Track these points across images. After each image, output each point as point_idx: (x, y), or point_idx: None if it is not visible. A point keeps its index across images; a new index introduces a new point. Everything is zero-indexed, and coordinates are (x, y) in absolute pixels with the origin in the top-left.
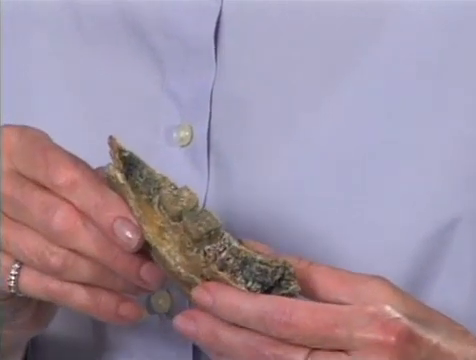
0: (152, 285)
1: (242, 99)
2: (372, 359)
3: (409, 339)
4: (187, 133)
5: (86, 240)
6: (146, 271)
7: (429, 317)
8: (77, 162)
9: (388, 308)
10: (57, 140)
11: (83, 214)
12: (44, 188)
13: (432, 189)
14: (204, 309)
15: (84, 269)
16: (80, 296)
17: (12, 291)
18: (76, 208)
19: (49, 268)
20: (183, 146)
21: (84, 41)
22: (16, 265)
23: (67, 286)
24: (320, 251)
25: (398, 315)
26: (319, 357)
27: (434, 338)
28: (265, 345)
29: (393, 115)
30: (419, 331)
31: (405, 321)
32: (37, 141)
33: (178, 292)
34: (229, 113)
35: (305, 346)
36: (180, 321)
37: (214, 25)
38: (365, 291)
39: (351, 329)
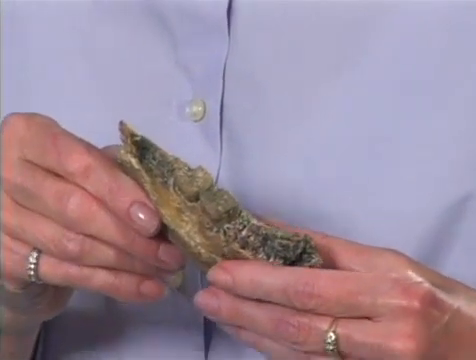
0: (171, 265)
1: (255, 75)
2: (396, 324)
3: (433, 303)
4: (200, 108)
5: (102, 225)
6: (164, 252)
7: (447, 283)
8: (89, 148)
9: (410, 272)
10: (68, 117)
11: (98, 200)
12: (56, 175)
13: (444, 166)
14: (225, 289)
15: (102, 253)
16: (100, 279)
17: (32, 279)
18: (91, 194)
19: (67, 255)
20: (196, 121)
21: (99, 16)
22: (34, 253)
23: (87, 270)
24: (333, 230)
25: (420, 279)
26: (344, 324)
27: (456, 302)
28: (290, 315)
29: (403, 97)
30: (441, 295)
31: (428, 285)
32: (46, 128)
33: (190, 267)
34: (242, 88)
35: (329, 315)
36: (202, 297)
37: (227, 0)
38: (381, 262)
39: (374, 295)
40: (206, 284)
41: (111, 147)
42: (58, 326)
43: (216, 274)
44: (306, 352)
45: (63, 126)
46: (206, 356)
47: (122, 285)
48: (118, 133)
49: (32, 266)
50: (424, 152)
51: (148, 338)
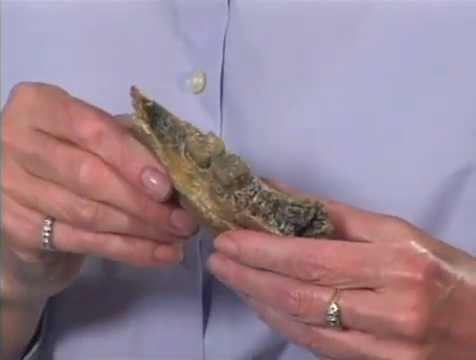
0: (184, 231)
1: (255, 46)
2: (400, 296)
3: (436, 275)
4: (200, 80)
5: (114, 191)
6: (177, 217)
7: (450, 253)
8: (101, 114)
9: (413, 243)
10: (71, 91)
11: (110, 166)
12: (67, 143)
13: (444, 138)
14: (231, 257)
15: (115, 220)
16: (115, 245)
17: (47, 248)
18: (102, 160)
19: (81, 221)
20: (196, 93)
21: None
22: (48, 221)
23: (101, 237)
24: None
25: (424, 250)
26: (347, 295)
27: (459, 273)
28: (292, 285)
29: (399, 71)
30: (445, 266)
31: (431, 256)
32: (56, 96)
33: (190, 240)
34: (242, 60)
35: (332, 286)
36: (213, 261)
37: None
38: (385, 229)
39: (378, 267)
40: (205, 256)
41: (121, 116)
42: (60, 298)
43: (223, 242)
44: (307, 323)
45: None
46: (205, 322)
47: (136, 251)
48: (121, 105)
49: (47, 234)
50: (424, 125)
51: (148, 306)
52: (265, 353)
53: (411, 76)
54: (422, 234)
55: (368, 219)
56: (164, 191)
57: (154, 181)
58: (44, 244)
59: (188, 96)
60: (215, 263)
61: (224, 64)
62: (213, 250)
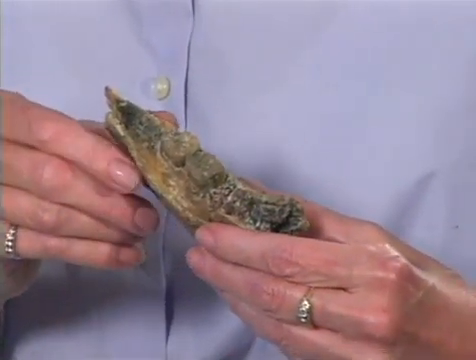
0: (145, 230)
1: (220, 52)
2: (371, 297)
3: (408, 278)
4: (165, 86)
5: (79, 193)
6: (140, 217)
7: (422, 260)
8: (59, 115)
9: (387, 246)
10: (36, 96)
11: (74, 166)
12: (30, 147)
13: (406, 144)
14: (208, 249)
15: (79, 223)
16: (79, 249)
17: (11, 256)
18: (66, 161)
19: (43, 226)
20: (161, 99)
21: None
22: (11, 230)
23: (65, 242)
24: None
25: (397, 254)
26: (319, 293)
27: (430, 279)
28: (265, 281)
29: (367, 73)
30: (417, 271)
31: (404, 260)
32: (14, 102)
33: (151, 244)
34: (207, 66)
35: (305, 284)
36: (191, 254)
37: None
38: (360, 232)
39: (351, 267)
40: (169, 262)
41: (85, 121)
42: (19, 301)
43: (202, 234)
44: (279, 320)
45: None
46: (168, 326)
47: (100, 254)
48: (85, 110)
49: (10, 243)
50: (391, 128)
51: (110, 310)
52: (229, 357)
53: (380, 78)
54: (396, 240)
55: (343, 221)
56: (133, 181)
57: (121, 172)
58: (8, 253)
59: (152, 102)
60: (193, 257)
61: (188, 70)
62: (176, 255)
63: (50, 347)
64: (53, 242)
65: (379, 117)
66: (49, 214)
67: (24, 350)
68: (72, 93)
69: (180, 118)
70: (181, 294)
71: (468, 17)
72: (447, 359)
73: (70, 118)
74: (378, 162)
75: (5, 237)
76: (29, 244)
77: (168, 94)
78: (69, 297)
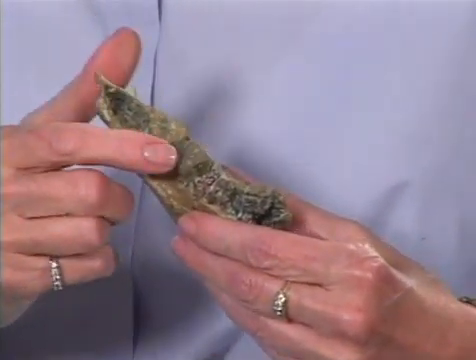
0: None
1: (187, 60)
2: (347, 295)
3: (386, 278)
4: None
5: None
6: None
7: (403, 262)
8: (67, 123)
9: (367, 246)
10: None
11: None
12: (53, 169)
13: (381, 154)
14: (190, 237)
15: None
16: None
17: (59, 288)
18: (100, 173)
19: (91, 246)
20: None
21: (32, 8)
22: (54, 263)
23: (103, 256)
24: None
25: (376, 254)
26: (296, 288)
27: (408, 282)
28: (244, 272)
29: (341, 79)
30: (395, 273)
31: (382, 261)
32: (16, 132)
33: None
34: (173, 76)
35: (283, 277)
36: (177, 242)
37: None
38: (343, 229)
39: (329, 263)
40: (138, 267)
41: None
42: None
43: (184, 222)
44: (255, 311)
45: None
46: (135, 342)
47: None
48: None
49: (58, 276)
50: (362, 136)
51: (75, 320)
52: None
53: (353, 84)
54: (379, 241)
55: (327, 217)
56: (173, 155)
57: (158, 153)
58: (56, 286)
59: None
60: (177, 245)
61: (155, 79)
62: (145, 266)
63: None
64: (98, 262)
65: (350, 123)
66: (94, 232)
67: None
68: (34, 95)
69: None
70: (149, 307)
71: (443, 25)
72: None
73: (76, 123)
74: (348, 169)
75: (50, 271)
76: (75, 271)
77: None
78: (36, 310)
